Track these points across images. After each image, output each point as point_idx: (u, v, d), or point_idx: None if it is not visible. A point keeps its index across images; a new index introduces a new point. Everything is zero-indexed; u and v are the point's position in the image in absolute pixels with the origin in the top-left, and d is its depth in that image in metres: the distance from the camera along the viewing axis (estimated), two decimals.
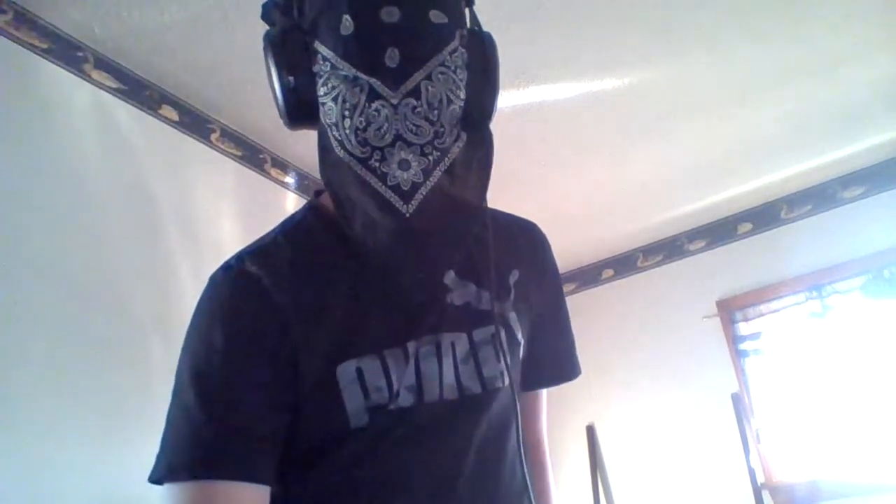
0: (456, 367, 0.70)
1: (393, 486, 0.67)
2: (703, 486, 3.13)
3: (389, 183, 0.66)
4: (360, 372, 0.67)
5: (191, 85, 2.36)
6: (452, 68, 0.67)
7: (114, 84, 2.21)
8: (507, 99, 2.49)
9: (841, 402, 2.95)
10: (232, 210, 2.49)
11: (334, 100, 0.66)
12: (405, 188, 0.66)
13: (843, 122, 2.84)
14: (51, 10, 2.03)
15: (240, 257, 0.73)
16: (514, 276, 0.78)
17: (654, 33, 2.30)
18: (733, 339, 3.28)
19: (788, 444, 3.05)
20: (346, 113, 0.65)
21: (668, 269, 3.61)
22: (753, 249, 3.38)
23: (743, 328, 3.30)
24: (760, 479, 2.93)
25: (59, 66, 2.07)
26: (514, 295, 0.77)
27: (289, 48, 0.68)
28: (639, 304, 3.62)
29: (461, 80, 0.68)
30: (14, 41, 1.97)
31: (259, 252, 0.74)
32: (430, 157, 0.66)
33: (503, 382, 0.72)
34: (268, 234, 0.79)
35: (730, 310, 3.33)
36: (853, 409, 2.92)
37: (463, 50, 0.68)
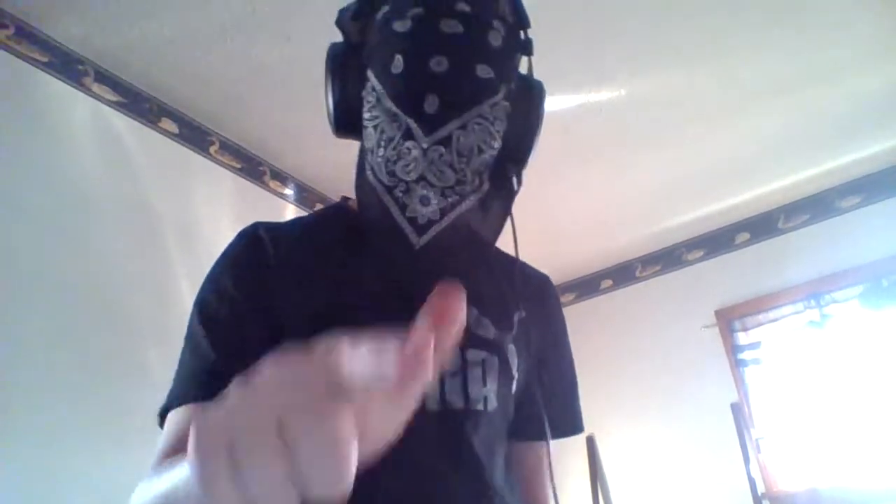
0: (441, 379, 0.69)
1: (368, 489, 0.66)
2: (704, 496, 3.12)
3: (408, 214, 0.70)
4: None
5: (190, 98, 2.37)
6: (490, 120, 0.69)
7: (114, 97, 2.22)
8: None
9: (840, 411, 2.95)
10: (231, 222, 2.49)
11: (374, 128, 0.70)
12: (421, 222, 0.70)
13: (840, 131, 2.86)
14: (51, 25, 2.05)
15: (254, 224, 0.79)
16: (519, 314, 0.78)
17: (650, 44, 2.31)
18: (732, 349, 3.28)
19: (788, 453, 3.04)
20: (382, 143, 0.69)
21: (666, 279, 3.62)
22: (751, 259, 3.38)
23: (742, 338, 3.30)
24: (761, 489, 2.92)
25: (60, 79, 2.09)
26: (516, 331, 0.77)
27: (346, 67, 0.73)
28: (637, 314, 3.62)
29: (498, 132, 0.70)
30: (15, 55, 1.99)
31: (272, 224, 0.79)
32: (450, 200, 0.70)
33: (486, 406, 0.71)
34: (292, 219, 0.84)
35: (729, 319, 3.34)
36: (853, 417, 2.92)
37: (506, 103, 0.71)
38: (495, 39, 0.69)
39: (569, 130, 2.66)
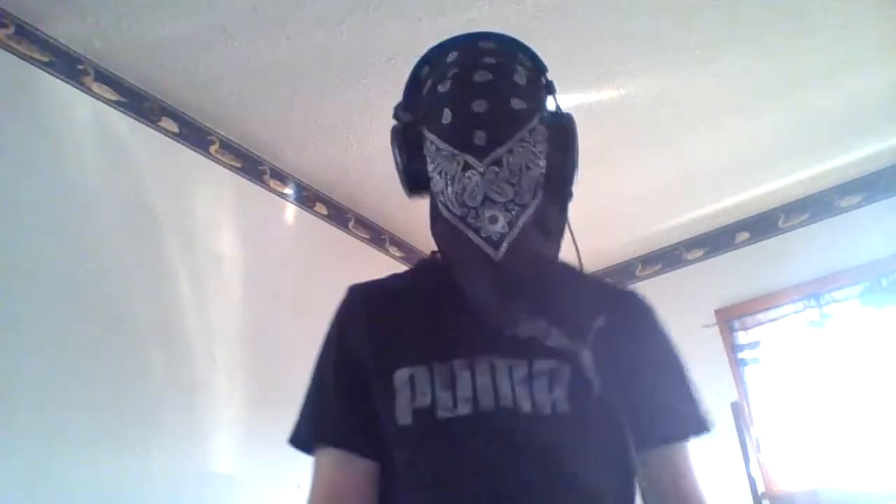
0: (512, 387, 0.78)
1: (444, 483, 0.75)
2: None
3: (482, 235, 0.82)
4: (411, 378, 0.78)
5: (190, 97, 2.37)
6: (532, 142, 0.83)
7: (114, 96, 2.22)
8: None
9: (841, 411, 2.95)
10: (231, 221, 2.50)
11: (439, 173, 0.84)
12: (494, 239, 0.82)
13: (841, 130, 2.86)
14: (51, 24, 2.05)
15: (351, 287, 0.91)
16: (598, 322, 0.84)
17: (650, 44, 2.32)
18: (732, 348, 3.28)
19: (789, 452, 3.04)
20: (448, 182, 0.83)
21: (666, 278, 3.61)
22: (752, 258, 3.38)
23: (742, 337, 3.30)
24: (760, 489, 2.92)
25: (60, 78, 2.09)
26: (594, 338, 0.82)
27: (407, 138, 0.88)
28: None
29: (541, 152, 0.84)
30: (15, 54, 1.99)
31: (367, 282, 0.92)
32: (513, 212, 0.82)
33: (555, 409, 0.78)
34: (387, 276, 0.96)
35: (729, 319, 3.33)
36: (853, 417, 2.92)
37: (542, 127, 0.85)
38: (521, 79, 0.85)
39: None
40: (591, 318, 0.84)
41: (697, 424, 0.92)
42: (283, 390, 2.32)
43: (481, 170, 0.81)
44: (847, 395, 2.95)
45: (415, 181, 0.89)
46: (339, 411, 0.82)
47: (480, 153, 0.81)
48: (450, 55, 0.87)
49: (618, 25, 2.23)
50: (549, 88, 0.92)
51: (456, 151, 0.82)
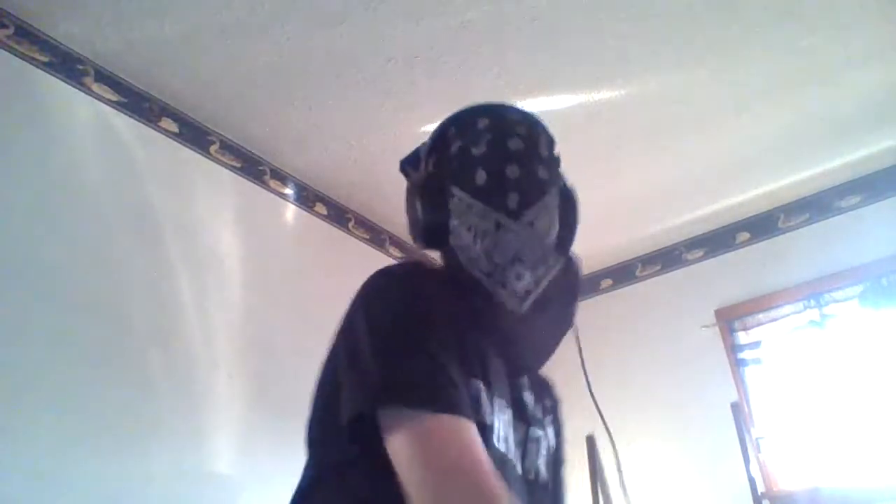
0: (515, 443, 0.85)
1: None
2: (704, 495, 3.12)
3: (508, 289, 0.85)
4: (477, 390, 0.78)
5: (190, 97, 2.37)
6: (551, 209, 0.91)
7: (114, 97, 2.22)
8: None
9: (841, 411, 2.95)
10: (231, 221, 2.50)
11: (468, 229, 0.87)
12: (520, 294, 0.86)
13: (840, 131, 2.86)
14: (52, 25, 2.05)
15: (404, 262, 0.98)
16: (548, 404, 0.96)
17: (649, 45, 2.32)
18: (732, 349, 3.27)
19: (789, 453, 3.04)
20: (479, 238, 0.87)
21: (666, 278, 3.61)
22: (752, 259, 3.38)
23: (742, 337, 3.29)
24: (761, 489, 2.92)
25: (60, 79, 2.09)
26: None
27: (430, 192, 0.91)
28: (637, 313, 3.62)
29: (556, 219, 0.91)
30: (15, 55, 1.99)
31: (429, 271, 0.90)
32: (539, 271, 0.88)
33: (538, 477, 0.87)
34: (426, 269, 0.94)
35: (729, 319, 3.33)
36: (853, 417, 2.91)
37: (556, 197, 0.93)
38: (543, 150, 0.93)
39: (567, 131, 2.66)
40: (548, 398, 0.97)
41: None
42: (283, 391, 2.32)
43: (516, 229, 0.87)
44: (847, 395, 2.95)
45: (435, 234, 0.91)
46: (460, 383, 0.75)
47: (514, 214, 0.87)
48: (480, 121, 0.92)
49: (618, 26, 2.23)
50: (558, 162, 0.98)
51: (489, 210, 0.87)
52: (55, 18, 2.03)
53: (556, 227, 0.91)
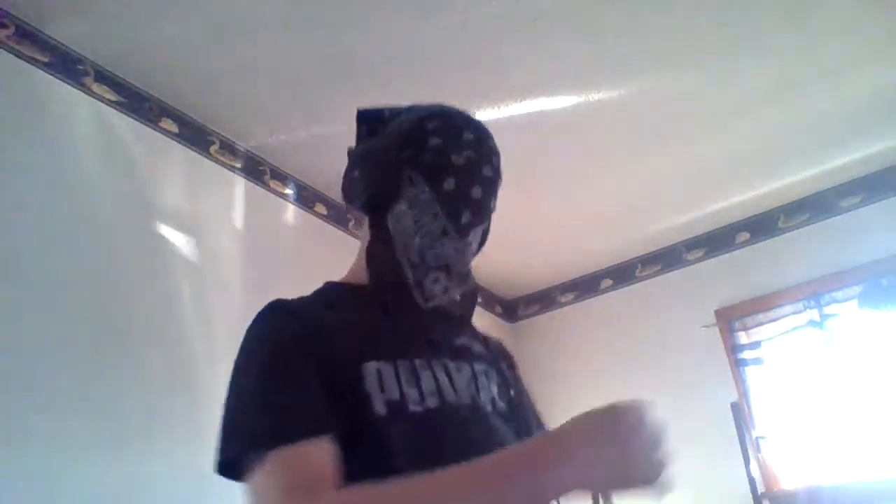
0: (465, 384, 0.90)
1: (418, 467, 0.78)
2: (704, 495, 3.12)
3: (423, 290, 0.94)
4: (378, 371, 0.84)
5: (190, 97, 2.37)
6: (480, 233, 1.01)
7: (114, 97, 2.22)
8: (504, 111, 2.51)
9: (841, 411, 2.95)
10: (231, 222, 2.50)
11: (414, 220, 0.94)
12: (427, 296, 0.94)
13: (841, 131, 2.86)
14: (52, 24, 2.05)
15: (273, 302, 0.93)
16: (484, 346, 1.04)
17: (651, 45, 2.32)
18: (732, 349, 3.27)
19: (789, 452, 3.04)
20: (419, 233, 0.93)
21: (666, 278, 3.61)
22: (752, 259, 3.38)
23: (742, 337, 3.30)
24: (761, 489, 2.93)
25: (60, 79, 2.09)
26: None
27: (389, 167, 0.95)
28: (637, 313, 3.62)
29: (477, 244, 1.02)
30: (15, 55, 1.99)
31: (287, 301, 0.94)
32: (453, 284, 0.96)
33: (495, 406, 0.92)
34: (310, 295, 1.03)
35: (729, 319, 3.33)
36: (853, 417, 2.92)
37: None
38: (498, 188, 1.00)
39: (568, 130, 2.66)
40: (487, 344, 1.04)
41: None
42: None
43: (458, 245, 0.95)
44: (847, 395, 2.95)
45: (374, 203, 0.97)
46: (314, 400, 0.80)
47: (461, 229, 0.94)
48: (466, 133, 0.97)
49: (617, 26, 2.23)
50: None
51: (443, 216, 0.93)
52: (55, 18, 2.03)
53: (475, 253, 1.02)
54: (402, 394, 0.83)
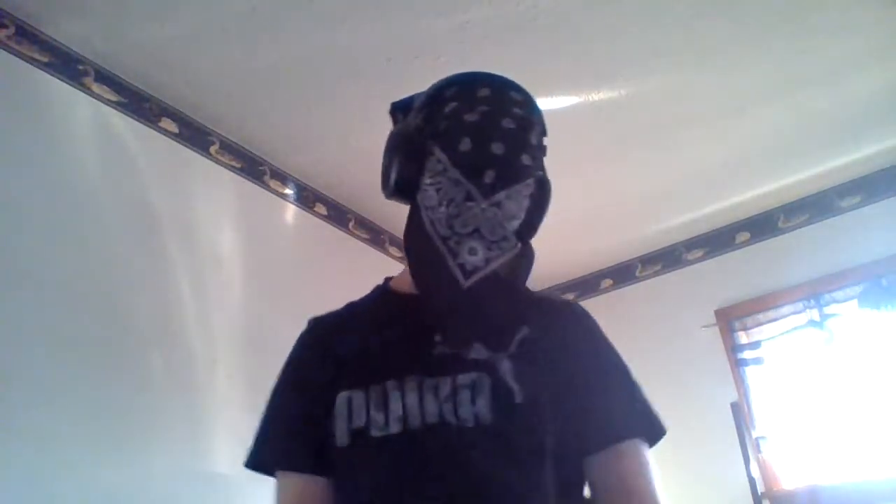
0: (439, 404, 0.83)
1: (379, 499, 0.82)
2: (704, 495, 3.12)
3: (458, 261, 0.86)
4: (349, 400, 0.85)
5: (190, 97, 2.37)
6: (522, 196, 0.90)
7: (114, 97, 2.22)
8: None
9: (841, 410, 2.95)
10: (231, 222, 2.50)
11: (437, 190, 0.88)
12: (468, 268, 0.86)
13: (840, 131, 2.86)
14: (52, 25, 2.05)
15: (310, 319, 1.01)
16: (521, 333, 0.89)
17: (651, 44, 2.32)
18: (732, 349, 3.27)
19: (789, 452, 3.04)
20: (444, 202, 0.87)
21: (666, 278, 3.61)
22: (752, 259, 3.38)
23: (742, 337, 3.30)
24: (761, 489, 2.93)
25: (60, 79, 2.09)
26: (517, 349, 0.87)
27: (411, 144, 0.91)
28: (637, 313, 3.62)
29: (525, 206, 0.90)
30: (15, 55, 1.99)
31: (325, 314, 1.01)
32: (493, 252, 0.87)
33: (478, 422, 0.81)
34: (342, 307, 1.03)
35: (728, 319, 3.33)
36: (853, 416, 2.92)
37: (532, 185, 0.91)
38: (534, 138, 0.91)
39: (568, 130, 2.66)
40: (513, 331, 0.89)
41: (638, 427, 0.93)
42: None
43: (483, 206, 0.86)
44: (847, 394, 2.95)
45: (404, 188, 0.92)
46: (292, 436, 0.91)
47: (486, 190, 0.86)
48: (481, 90, 0.91)
49: (618, 26, 2.23)
50: (545, 152, 0.97)
51: (463, 180, 0.86)
52: (55, 18, 2.03)
53: (523, 214, 0.90)
54: (368, 419, 0.83)
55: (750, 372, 3.23)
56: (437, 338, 0.87)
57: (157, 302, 2.11)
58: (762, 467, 3.03)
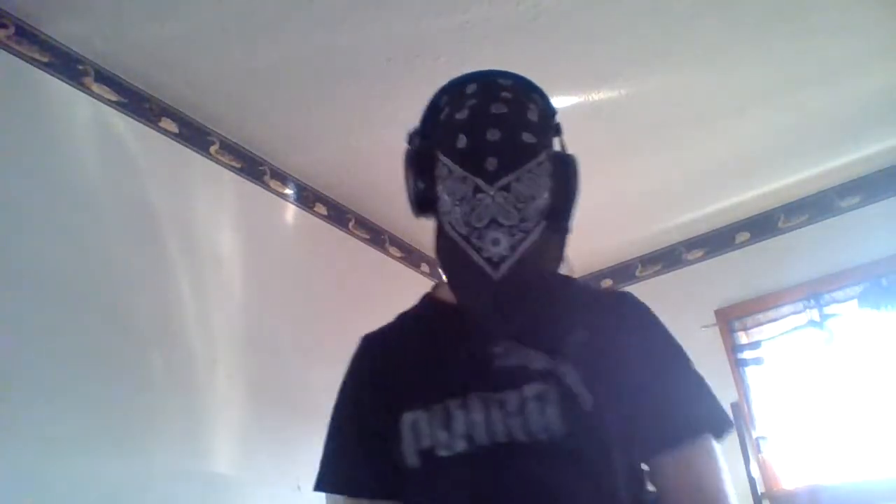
0: (504, 419, 0.82)
1: None
2: None
3: (484, 255, 0.85)
4: (414, 421, 0.85)
5: (190, 97, 2.37)
6: (537, 174, 0.88)
7: (114, 97, 2.22)
8: None
9: (841, 410, 2.95)
10: (231, 222, 2.50)
11: (448, 194, 0.88)
12: (495, 260, 0.85)
13: (840, 131, 2.86)
14: (52, 25, 2.05)
15: (362, 337, 1.00)
16: (577, 336, 0.88)
17: (651, 45, 2.32)
18: (732, 349, 3.28)
19: (789, 452, 3.04)
20: (457, 203, 0.87)
21: (666, 278, 3.62)
22: (751, 259, 3.38)
23: (742, 337, 3.30)
24: (761, 489, 2.92)
25: (60, 79, 2.09)
26: (576, 353, 0.86)
27: (420, 162, 0.93)
28: None
29: (545, 185, 0.89)
30: (15, 55, 1.99)
31: (377, 330, 1.01)
32: (516, 237, 0.86)
33: (551, 436, 0.80)
34: (393, 320, 1.03)
35: (728, 319, 3.34)
36: (853, 416, 2.92)
37: (549, 163, 0.91)
38: (532, 115, 0.90)
39: (568, 131, 2.65)
40: (568, 334, 0.88)
41: (705, 423, 0.88)
42: (283, 391, 2.32)
43: (491, 193, 0.85)
44: (847, 394, 2.95)
45: (424, 202, 0.93)
46: (359, 461, 0.91)
47: (491, 178, 0.85)
48: (468, 87, 0.93)
49: (617, 26, 2.23)
50: (557, 130, 0.99)
51: (468, 174, 0.86)
52: (55, 18, 2.03)
53: (546, 194, 0.89)
54: (433, 439, 0.83)
55: (750, 372, 3.23)
56: (497, 349, 0.86)
57: (157, 302, 2.11)
58: (762, 467, 3.03)
